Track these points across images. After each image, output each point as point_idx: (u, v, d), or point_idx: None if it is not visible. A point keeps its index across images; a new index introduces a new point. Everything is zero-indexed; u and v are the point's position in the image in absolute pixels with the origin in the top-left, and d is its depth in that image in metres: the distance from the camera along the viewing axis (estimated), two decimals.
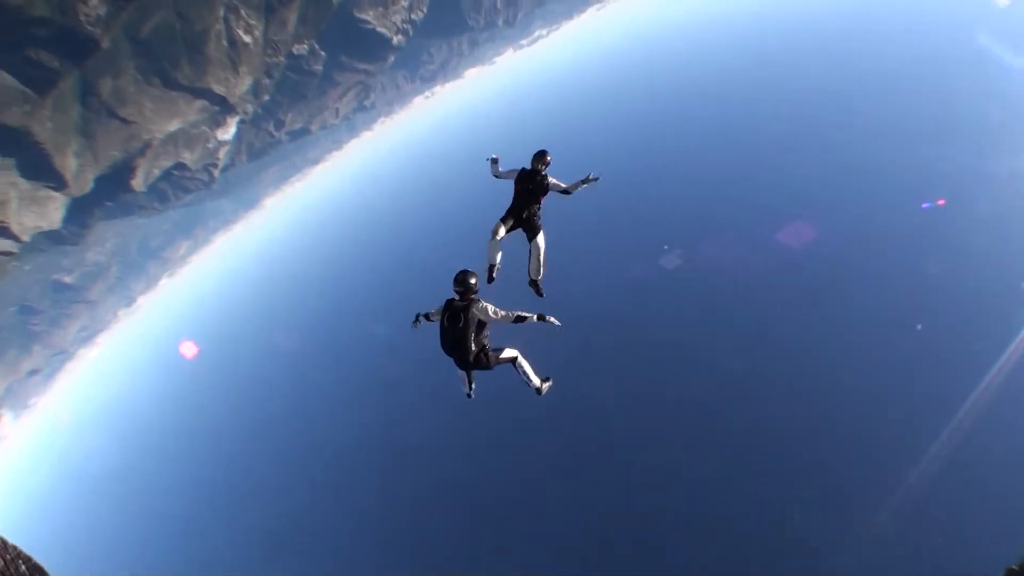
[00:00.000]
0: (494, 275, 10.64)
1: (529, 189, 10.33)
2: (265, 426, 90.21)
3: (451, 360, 9.37)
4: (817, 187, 73.61)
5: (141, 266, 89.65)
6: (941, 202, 63.58)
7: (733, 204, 76.84)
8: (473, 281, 8.99)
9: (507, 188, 10.66)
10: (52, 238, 51.63)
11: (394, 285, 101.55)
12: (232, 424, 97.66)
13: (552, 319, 8.93)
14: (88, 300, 77.11)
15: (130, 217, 63.31)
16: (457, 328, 8.96)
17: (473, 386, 10.46)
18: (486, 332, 9.19)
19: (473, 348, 8.99)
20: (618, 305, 70.43)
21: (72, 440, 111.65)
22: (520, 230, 10.64)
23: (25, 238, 43.74)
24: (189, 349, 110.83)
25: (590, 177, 10.17)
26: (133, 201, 57.65)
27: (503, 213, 10.53)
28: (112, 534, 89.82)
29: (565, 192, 10.33)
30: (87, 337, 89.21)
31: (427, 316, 9.79)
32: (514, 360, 9.70)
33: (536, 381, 9.97)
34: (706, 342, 61.66)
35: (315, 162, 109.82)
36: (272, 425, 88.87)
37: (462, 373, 10.02)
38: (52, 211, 44.56)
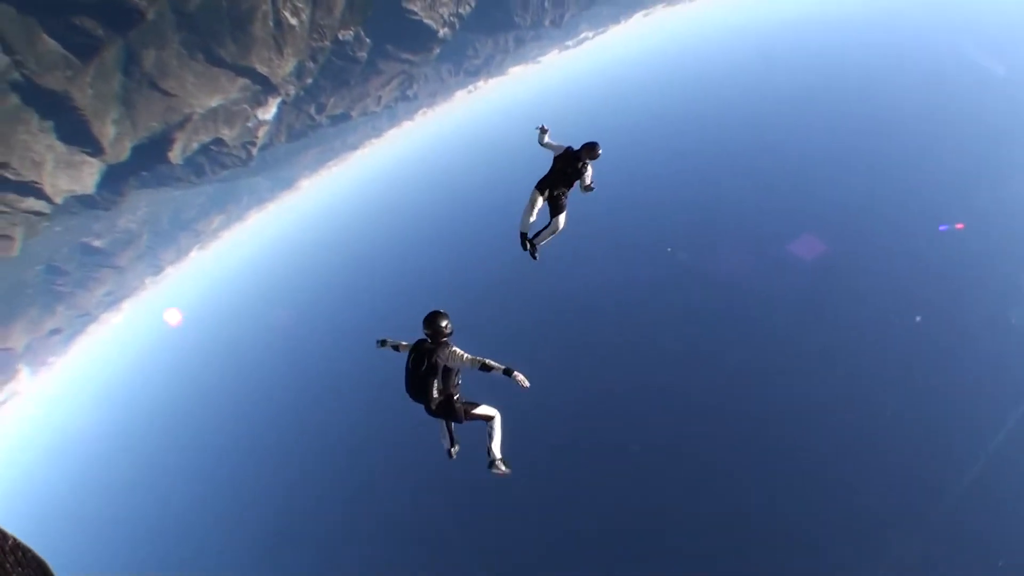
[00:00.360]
0: (527, 244, 10.90)
1: (567, 172, 10.41)
2: (276, 412, 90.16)
3: (420, 407, 8.92)
4: (833, 197, 73.28)
5: (172, 236, 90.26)
6: (960, 226, 62.66)
7: (747, 210, 76.62)
8: (444, 324, 8.70)
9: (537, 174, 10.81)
10: (85, 202, 51.97)
11: (420, 277, 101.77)
12: (245, 404, 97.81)
13: (519, 377, 8.15)
14: (116, 266, 77.69)
15: (165, 188, 63.68)
16: (420, 371, 8.61)
17: (456, 445, 9.83)
18: (456, 380, 8.80)
19: (436, 395, 8.60)
20: (620, 302, 70.51)
21: (85, 403, 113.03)
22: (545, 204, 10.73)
23: (58, 200, 43.91)
24: (173, 317, 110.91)
25: (591, 186, 10.57)
26: (169, 172, 58.03)
27: (537, 181, 10.64)
28: (106, 504, 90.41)
29: (582, 189, 10.63)
30: (112, 302, 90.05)
31: (396, 346, 9.54)
32: (490, 419, 9.21)
33: (496, 452, 9.25)
34: (711, 341, 61.59)
35: (354, 148, 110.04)
36: (284, 412, 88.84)
37: (441, 425, 9.60)
38: (87, 176, 44.77)
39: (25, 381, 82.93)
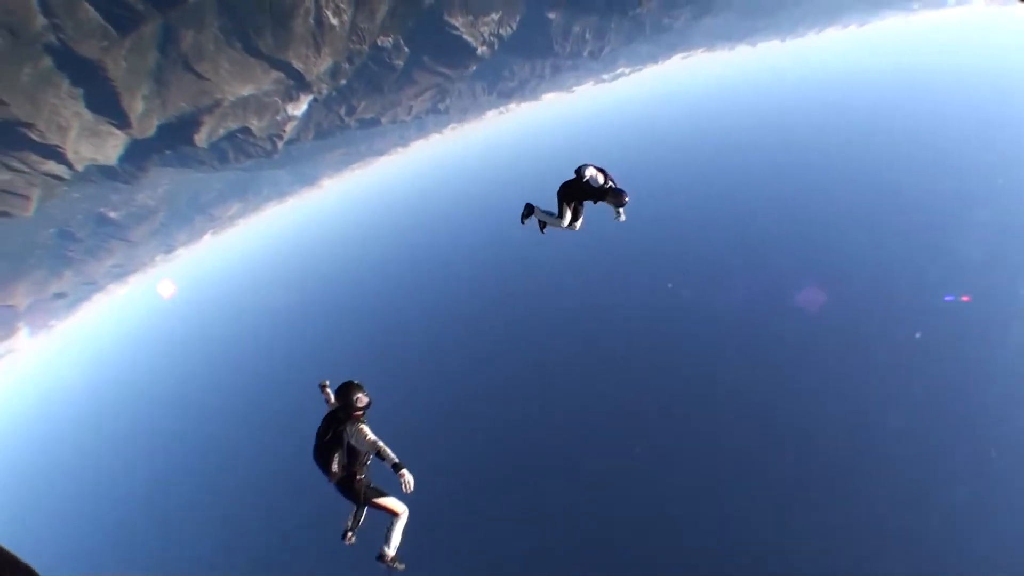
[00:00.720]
0: (537, 223, 11.39)
1: (592, 201, 10.68)
2: (266, 401, 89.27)
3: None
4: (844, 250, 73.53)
5: (188, 218, 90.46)
6: (965, 299, 62.38)
7: (755, 257, 76.73)
8: (356, 397, 8.24)
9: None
10: (105, 172, 52.45)
11: (422, 287, 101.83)
12: (236, 390, 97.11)
13: (405, 477, 7.65)
14: (129, 239, 77.98)
15: (186, 169, 64.04)
16: (323, 440, 8.25)
17: (354, 531, 8.88)
18: (365, 459, 8.39)
19: (336, 469, 8.23)
20: (619, 327, 70.64)
21: (80, 368, 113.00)
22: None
23: (79, 167, 44.35)
24: (166, 289, 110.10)
25: (620, 216, 10.63)
26: (192, 155, 58.38)
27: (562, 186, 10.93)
28: (84, 469, 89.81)
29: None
30: (120, 274, 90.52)
31: (327, 400, 9.14)
32: (394, 515, 8.74)
33: (391, 548, 8.73)
34: (704, 369, 61.56)
35: (379, 153, 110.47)
36: (274, 402, 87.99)
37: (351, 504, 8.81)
38: (110, 147, 45.17)
39: (23, 340, 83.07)
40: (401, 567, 8.78)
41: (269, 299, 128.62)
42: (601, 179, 10.45)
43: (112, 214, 70.59)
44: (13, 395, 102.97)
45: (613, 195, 10.31)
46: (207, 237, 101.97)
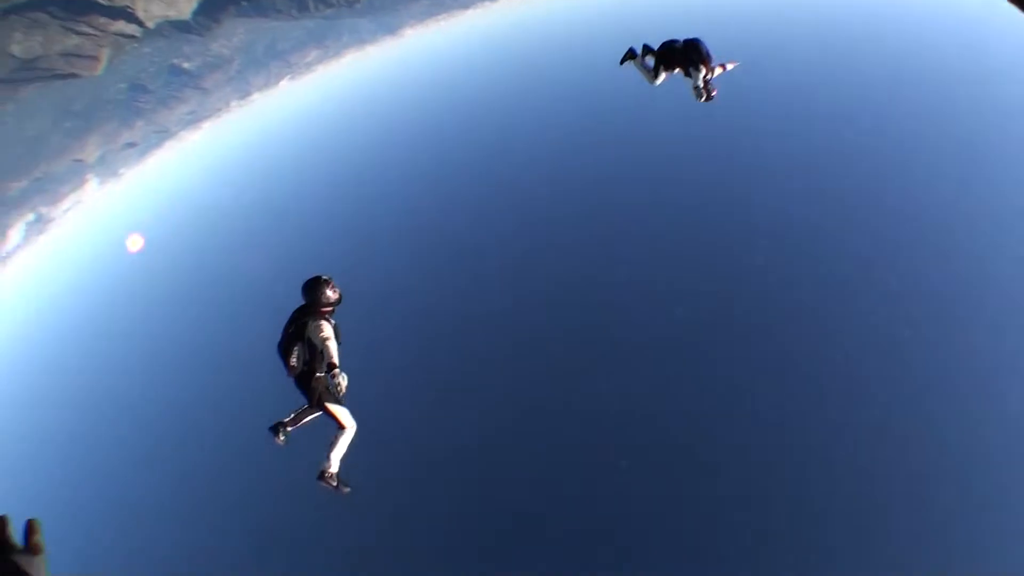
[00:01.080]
0: (631, 60, 11.32)
1: (688, 59, 10.59)
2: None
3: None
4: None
5: (264, 65, 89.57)
6: None
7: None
8: (321, 293, 7.72)
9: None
10: (178, 26, 51.26)
11: (501, 159, 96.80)
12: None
13: (336, 375, 7.06)
14: (202, 87, 77.78)
15: (263, 18, 62.14)
16: (288, 333, 7.71)
17: (287, 429, 7.89)
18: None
19: (293, 363, 7.60)
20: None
21: (149, 219, 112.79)
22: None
23: (149, 24, 43.42)
24: (135, 243, 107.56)
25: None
26: (270, 4, 56.70)
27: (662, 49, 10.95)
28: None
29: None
30: (192, 121, 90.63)
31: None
32: (341, 428, 7.97)
33: (334, 463, 7.99)
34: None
35: (465, 6, 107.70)
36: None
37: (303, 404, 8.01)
38: (183, 2, 44.30)
39: (92, 192, 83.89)
40: (346, 490, 8.22)
41: (344, 146, 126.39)
42: (704, 72, 10.53)
43: (185, 64, 70.25)
44: (80, 245, 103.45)
45: (705, 93, 10.56)
46: (284, 83, 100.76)
